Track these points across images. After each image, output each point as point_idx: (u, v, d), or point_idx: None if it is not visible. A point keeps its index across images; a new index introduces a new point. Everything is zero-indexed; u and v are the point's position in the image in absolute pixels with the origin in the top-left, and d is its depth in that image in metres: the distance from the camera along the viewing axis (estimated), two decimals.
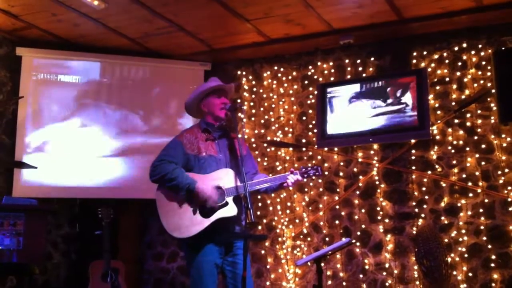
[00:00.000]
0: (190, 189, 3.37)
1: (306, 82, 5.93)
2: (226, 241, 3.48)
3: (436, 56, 5.37)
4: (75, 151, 5.77)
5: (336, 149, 5.64)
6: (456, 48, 5.29)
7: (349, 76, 5.71)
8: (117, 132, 5.94)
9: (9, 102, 5.64)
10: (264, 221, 5.84)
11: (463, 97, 5.21)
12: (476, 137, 5.10)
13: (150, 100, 6.10)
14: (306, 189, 5.71)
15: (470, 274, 4.91)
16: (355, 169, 5.54)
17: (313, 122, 5.77)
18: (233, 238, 3.49)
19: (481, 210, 4.96)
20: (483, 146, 5.05)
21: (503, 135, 5.00)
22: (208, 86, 3.67)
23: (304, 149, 5.79)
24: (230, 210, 3.39)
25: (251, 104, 6.15)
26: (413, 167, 5.27)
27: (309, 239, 5.62)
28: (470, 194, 5.04)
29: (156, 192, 3.53)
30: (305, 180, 3.65)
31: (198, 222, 3.38)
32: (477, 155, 5.07)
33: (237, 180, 3.43)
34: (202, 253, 3.42)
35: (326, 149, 5.66)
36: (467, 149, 5.11)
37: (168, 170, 3.45)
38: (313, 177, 3.65)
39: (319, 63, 5.88)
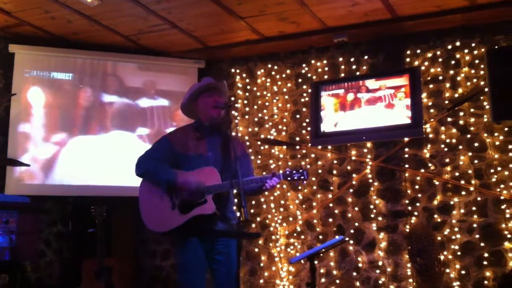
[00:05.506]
0: (171, 183, 3.38)
1: (300, 80, 5.93)
2: (209, 238, 3.45)
3: (429, 55, 5.39)
4: (68, 149, 5.75)
5: (329, 147, 5.65)
6: (449, 47, 5.31)
7: (343, 75, 5.72)
8: (110, 130, 5.91)
9: (2, 100, 5.61)
10: (258, 219, 5.84)
11: (456, 95, 5.23)
12: (469, 136, 5.12)
13: (143, 98, 6.08)
14: (299, 187, 5.71)
15: (463, 272, 4.93)
16: (348, 167, 5.55)
17: (307, 120, 5.78)
18: (227, 236, 3.48)
19: (474, 208, 4.98)
20: (476, 144, 5.08)
21: (496, 134, 5.03)
22: (198, 86, 3.65)
23: (297, 147, 5.79)
24: (207, 208, 3.35)
25: (245, 102, 6.15)
26: (406, 165, 5.29)
27: (302, 237, 5.63)
28: (463, 192, 5.06)
29: (140, 185, 3.57)
30: (287, 181, 3.56)
31: (175, 217, 3.37)
32: (470, 154, 5.09)
33: (220, 178, 3.39)
34: (186, 249, 3.43)
35: (319, 147, 5.67)
36: (460, 147, 5.13)
37: (151, 166, 3.50)
38: (297, 182, 3.53)
39: (313, 61, 5.88)
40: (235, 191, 3.42)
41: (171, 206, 3.39)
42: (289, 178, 3.45)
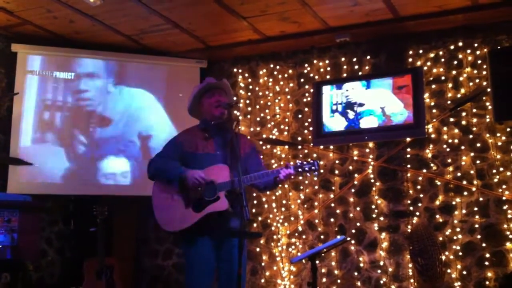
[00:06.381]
0: (182, 177, 3.42)
1: (302, 80, 5.93)
2: (220, 237, 3.49)
3: (432, 55, 5.38)
4: (70, 148, 5.76)
5: (331, 147, 5.65)
6: (452, 47, 5.30)
7: (345, 74, 5.71)
8: (112, 129, 5.92)
9: (4, 99, 5.62)
10: (259, 218, 5.84)
11: (458, 96, 5.22)
12: (471, 136, 5.11)
13: (145, 97, 6.08)
14: (301, 187, 5.71)
15: (464, 272, 4.93)
16: (350, 167, 5.54)
17: (309, 120, 5.78)
18: (227, 235, 3.49)
19: (475, 209, 4.97)
20: (478, 144, 5.07)
21: (498, 134, 5.02)
22: (199, 88, 3.72)
23: (299, 147, 5.79)
24: (220, 204, 3.39)
25: (247, 102, 6.15)
26: (408, 166, 5.28)
27: (304, 236, 5.62)
28: (465, 193, 5.05)
29: (152, 187, 3.60)
30: (298, 173, 3.55)
31: (189, 216, 3.41)
32: (472, 154, 5.08)
33: (231, 175, 3.43)
34: (195, 246, 3.46)
35: (321, 147, 5.67)
36: (462, 147, 5.12)
37: (161, 164, 3.56)
38: (308, 173, 3.52)
39: (315, 61, 5.88)
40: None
41: (184, 205, 3.44)
42: (300, 170, 3.45)
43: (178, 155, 3.60)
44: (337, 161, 5.62)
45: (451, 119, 5.21)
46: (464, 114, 5.16)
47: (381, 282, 5.22)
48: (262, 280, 5.70)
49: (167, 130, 5.97)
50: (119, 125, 5.95)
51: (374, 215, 5.36)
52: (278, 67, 6.07)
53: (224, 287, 3.49)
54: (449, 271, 4.96)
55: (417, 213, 5.18)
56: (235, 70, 6.27)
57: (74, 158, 5.75)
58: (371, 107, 5.40)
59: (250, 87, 6.17)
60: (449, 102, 5.24)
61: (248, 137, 5.90)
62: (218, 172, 3.46)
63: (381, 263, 5.26)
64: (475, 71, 5.18)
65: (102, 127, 5.89)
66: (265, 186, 3.63)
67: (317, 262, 4.01)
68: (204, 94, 3.69)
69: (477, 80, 5.16)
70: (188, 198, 3.45)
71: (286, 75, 6.02)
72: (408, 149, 5.32)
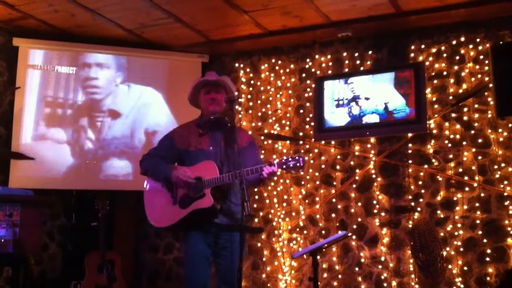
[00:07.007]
0: (168, 180, 3.49)
1: (303, 75, 5.91)
2: (212, 232, 3.50)
3: (434, 50, 5.36)
4: (72, 142, 5.76)
5: (333, 142, 5.64)
6: (454, 42, 5.28)
7: (346, 69, 5.70)
8: (114, 124, 5.92)
9: (5, 93, 5.62)
10: (261, 214, 5.85)
11: (460, 91, 5.21)
12: (473, 132, 5.10)
13: (147, 92, 6.07)
14: (302, 182, 5.71)
15: (466, 268, 4.93)
16: (351, 163, 5.54)
17: (311, 115, 5.77)
18: (226, 230, 3.49)
19: (477, 204, 4.97)
20: (480, 140, 5.06)
21: (500, 130, 5.00)
22: (196, 83, 3.73)
23: (301, 142, 5.78)
24: (205, 201, 3.40)
25: (249, 96, 6.14)
26: (410, 161, 5.28)
27: (305, 232, 5.63)
28: (466, 188, 5.04)
29: (145, 182, 3.71)
30: (284, 170, 3.46)
31: (175, 213, 3.46)
32: (473, 150, 5.07)
33: (220, 171, 3.42)
34: (190, 240, 3.51)
35: (323, 142, 5.66)
36: (464, 143, 5.11)
37: (150, 165, 3.62)
38: (294, 170, 3.35)
39: (316, 56, 5.86)
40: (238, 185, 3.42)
41: (172, 202, 3.49)
42: (284, 166, 3.34)
43: (172, 151, 3.64)
44: (338, 157, 5.61)
45: (453, 115, 5.19)
46: (466, 109, 5.15)
47: (382, 277, 5.22)
48: (263, 275, 5.71)
49: (167, 126, 5.95)
50: (120, 120, 5.94)
51: (375, 211, 5.36)
52: (279, 61, 6.05)
53: (222, 283, 3.50)
54: (450, 266, 4.96)
55: (418, 209, 5.18)
56: (236, 64, 6.25)
57: (76, 153, 5.75)
58: (375, 102, 5.38)
59: (252, 82, 6.16)
60: (451, 97, 5.22)
61: (249, 132, 5.93)
62: (206, 168, 3.45)
63: (382, 258, 5.26)
64: (477, 67, 5.17)
65: (104, 121, 5.88)
66: (253, 183, 3.61)
67: (318, 257, 4.01)
68: (201, 89, 3.70)
69: (479, 76, 5.15)
70: (176, 195, 3.49)
71: (287, 70, 6.00)
72: (410, 145, 5.31)
